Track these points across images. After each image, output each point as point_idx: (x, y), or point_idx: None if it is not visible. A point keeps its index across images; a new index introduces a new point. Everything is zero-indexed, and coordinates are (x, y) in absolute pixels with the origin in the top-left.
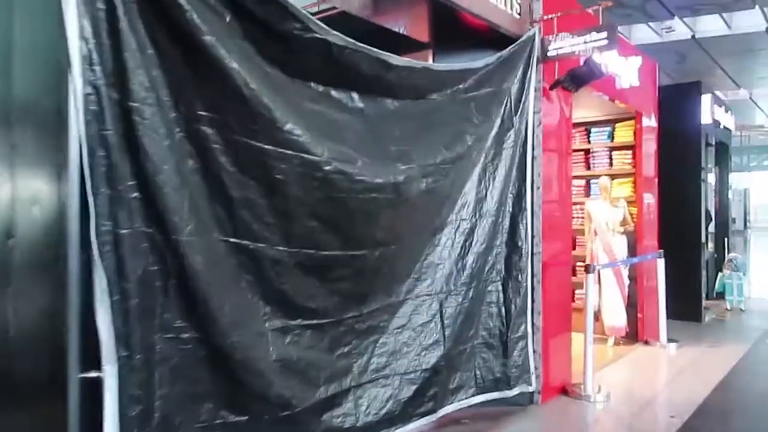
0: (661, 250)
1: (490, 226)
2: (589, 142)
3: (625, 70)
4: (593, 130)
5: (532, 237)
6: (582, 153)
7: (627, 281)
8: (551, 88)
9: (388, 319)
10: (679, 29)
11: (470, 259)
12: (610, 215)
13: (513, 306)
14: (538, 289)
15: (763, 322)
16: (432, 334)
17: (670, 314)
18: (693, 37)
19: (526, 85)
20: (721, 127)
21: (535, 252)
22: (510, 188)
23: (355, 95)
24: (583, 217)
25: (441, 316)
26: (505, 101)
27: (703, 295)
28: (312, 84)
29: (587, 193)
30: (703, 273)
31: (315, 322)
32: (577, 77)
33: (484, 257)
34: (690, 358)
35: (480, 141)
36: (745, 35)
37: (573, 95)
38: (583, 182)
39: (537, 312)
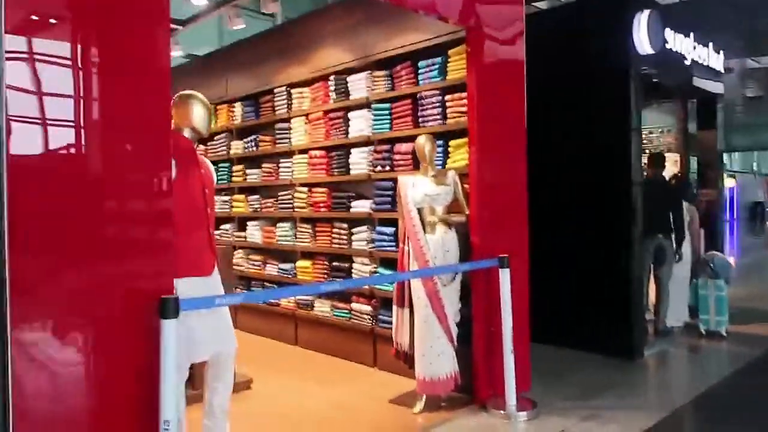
0: (506, 255)
1: None
2: (417, 83)
3: None
4: (421, 64)
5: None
6: (408, 101)
7: (455, 304)
8: None
9: None
10: None
11: None
12: (427, 197)
13: None
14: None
15: (734, 359)
16: None
17: (596, 348)
18: None
19: None
20: (688, 65)
21: None
22: None
23: None
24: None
25: None
26: None
27: (643, 316)
28: None
29: (416, 165)
30: (645, 283)
31: None
32: None
33: None
34: None
35: None
36: None
37: None
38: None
39: None
